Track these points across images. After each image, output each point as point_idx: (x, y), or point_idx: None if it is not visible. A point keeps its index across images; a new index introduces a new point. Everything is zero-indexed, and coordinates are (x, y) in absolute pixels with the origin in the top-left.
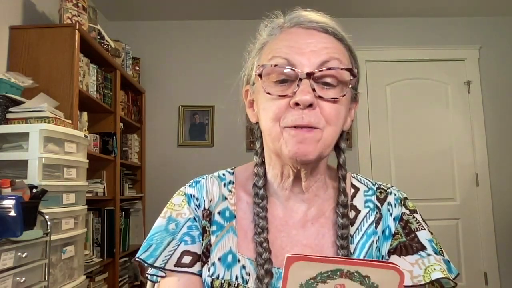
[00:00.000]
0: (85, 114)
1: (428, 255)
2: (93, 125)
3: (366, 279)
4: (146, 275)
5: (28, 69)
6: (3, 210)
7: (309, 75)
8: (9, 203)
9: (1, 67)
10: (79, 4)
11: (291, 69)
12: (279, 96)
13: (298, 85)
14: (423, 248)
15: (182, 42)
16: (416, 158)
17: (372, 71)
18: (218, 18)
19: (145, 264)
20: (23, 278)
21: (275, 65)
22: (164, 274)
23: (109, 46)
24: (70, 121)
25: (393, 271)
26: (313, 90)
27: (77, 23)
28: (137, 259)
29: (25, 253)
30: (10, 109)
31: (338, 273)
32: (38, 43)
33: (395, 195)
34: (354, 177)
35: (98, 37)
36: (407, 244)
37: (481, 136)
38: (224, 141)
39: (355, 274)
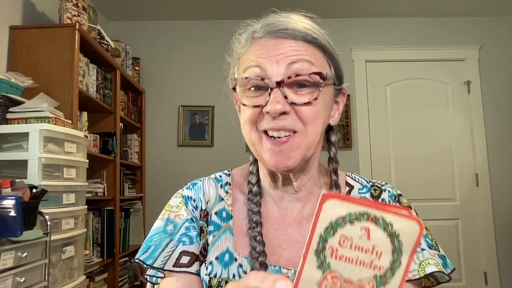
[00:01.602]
0: (85, 114)
1: (422, 249)
2: (93, 125)
3: (389, 226)
4: (146, 276)
5: (28, 69)
6: (3, 210)
7: (279, 83)
8: (9, 203)
9: (1, 67)
10: (79, 4)
11: (261, 80)
12: (254, 106)
13: (269, 94)
14: None
15: (182, 42)
16: (416, 158)
17: (372, 71)
18: (218, 18)
19: (144, 265)
20: (23, 278)
21: (246, 78)
22: (163, 275)
23: (109, 46)
24: (70, 121)
25: (414, 221)
26: (285, 97)
27: (77, 23)
28: (136, 260)
29: (25, 253)
30: (10, 109)
31: (365, 216)
32: (38, 43)
33: (389, 192)
34: (348, 176)
35: (98, 37)
36: None
37: (481, 136)
38: (224, 141)
39: (380, 220)
